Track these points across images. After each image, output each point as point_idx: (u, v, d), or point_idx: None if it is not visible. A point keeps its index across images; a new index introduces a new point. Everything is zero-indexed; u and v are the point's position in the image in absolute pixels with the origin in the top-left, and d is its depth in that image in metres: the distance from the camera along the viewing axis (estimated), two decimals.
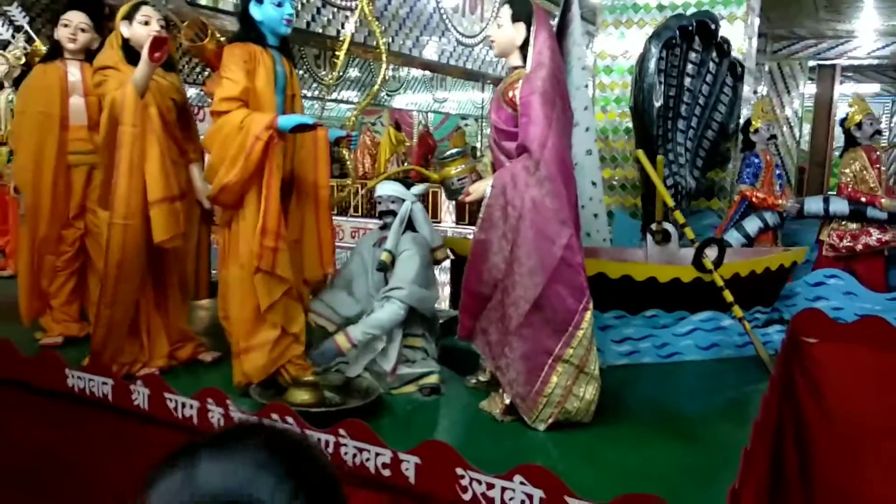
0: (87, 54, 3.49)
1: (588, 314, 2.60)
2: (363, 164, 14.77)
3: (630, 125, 4.97)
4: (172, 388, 2.67)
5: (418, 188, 3.19)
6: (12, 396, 3.09)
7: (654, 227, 3.80)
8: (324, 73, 8.68)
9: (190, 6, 2.78)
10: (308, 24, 5.41)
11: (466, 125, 17.40)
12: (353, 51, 3.16)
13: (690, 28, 4.32)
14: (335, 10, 5.66)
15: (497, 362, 2.72)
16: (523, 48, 2.72)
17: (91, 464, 2.91)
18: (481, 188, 2.73)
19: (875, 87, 14.24)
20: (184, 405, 2.64)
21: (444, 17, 7.13)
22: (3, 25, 4.28)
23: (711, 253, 3.39)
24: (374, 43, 3.08)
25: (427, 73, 12.73)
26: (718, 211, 5.07)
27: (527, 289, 2.58)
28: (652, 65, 4.19)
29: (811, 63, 12.08)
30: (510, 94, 2.69)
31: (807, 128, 12.98)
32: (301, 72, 8.36)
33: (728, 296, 3.35)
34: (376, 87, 3.03)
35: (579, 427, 2.67)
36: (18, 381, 3.07)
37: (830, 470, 2.77)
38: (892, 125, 14.31)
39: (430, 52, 7.03)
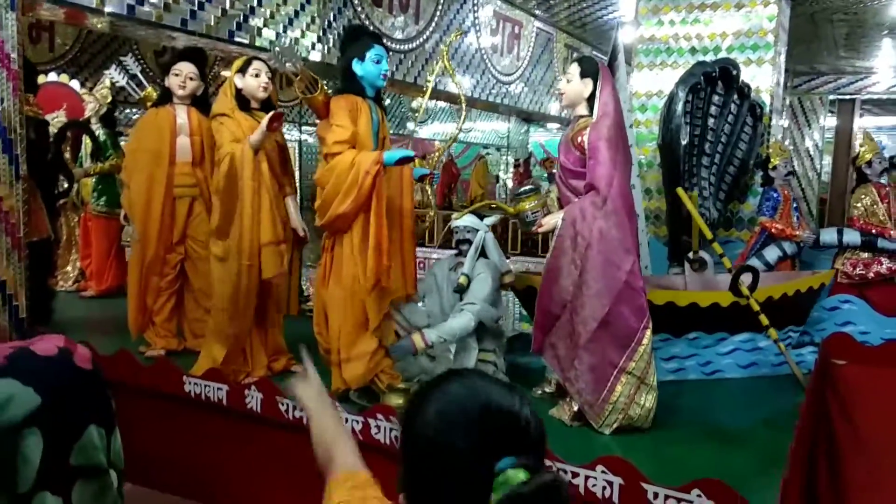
0: (193, 99, 3.96)
1: (648, 332, 2.98)
2: None
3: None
4: (284, 393, 3.06)
5: (490, 220, 3.59)
6: (131, 400, 3.49)
7: (691, 255, 4.17)
8: None
9: (304, 62, 3.21)
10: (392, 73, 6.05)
11: (488, 154, 17.88)
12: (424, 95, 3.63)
13: (714, 74, 4.76)
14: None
15: (566, 374, 3.09)
16: (589, 100, 3.13)
17: (203, 460, 3.31)
18: (553, 221, 3.12)
19: (893, 120, 14.58)
20: (294, 407, 3.03)
21: (485, 56, 7.60)
22: (119, 73, 4.77)
23: (746, 279, 3.75)
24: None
25: (454, 104, 13.25)
26: (736, 241, 5.40)
27: (595, 309, 2.96)
28: (679, 107, 4.61)
29: (831, 97, 12.46)
30: (579, 139, 3.10)
31: (827, 159, 13.32)
32: None
33: (764, 320, 3.70)
34: (457, 131, 3.46)
35: (639, 431, 3.03)
36: (137, 386, 3.47)
37: (861, 491, 3.04)
38: None
39: (470, 89, 7.51)
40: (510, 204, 3.37)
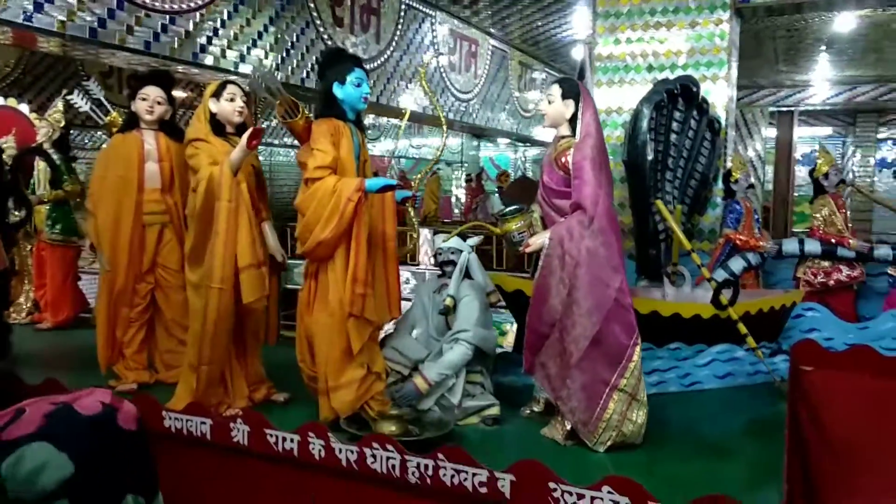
0: (161, 124, 3.85)
1: (638, 348, 3.01)
2: None
3: (623, 174, 5.47)
4: (272, 424, 2.98)
5: (473, 240, 3.59)
6: None
7: (670, 269, 4.25)
8: None
9: (283, 86, 3.15)
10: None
11: (439, 169, 18.00)
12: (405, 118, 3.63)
13: (675, 91, 4.87)
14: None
15: (558, 393, 3.09)
16: (571, 120, 3.17)
17: (187, 496, 3.18)
18: (540, 241, 3.13)
19: (827, 130, 15.26)
20: (284, 439, 2.95)
21: (444, 76, 7.64)
22: (81, 98, 4.60)
23: (727, 293, 3.84)
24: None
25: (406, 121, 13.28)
26: (698, 252, 5.53)
27: (585, 327, 2.97)
28: (644, 124, 4.70)
29: (771, 109, 12.97)
30: (562, 159, 3.12)
31: (769, 169, 13.83)
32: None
33: (742, 328, 3.80)
34: (439, 152, 3.45)
35: (631, 448, 3.05)
36: None
37: (832, 491, 3.12)
38: (843, 164, 15.29)
39: (430, 107, 7.53)
40: (490, 221, 3.37)
